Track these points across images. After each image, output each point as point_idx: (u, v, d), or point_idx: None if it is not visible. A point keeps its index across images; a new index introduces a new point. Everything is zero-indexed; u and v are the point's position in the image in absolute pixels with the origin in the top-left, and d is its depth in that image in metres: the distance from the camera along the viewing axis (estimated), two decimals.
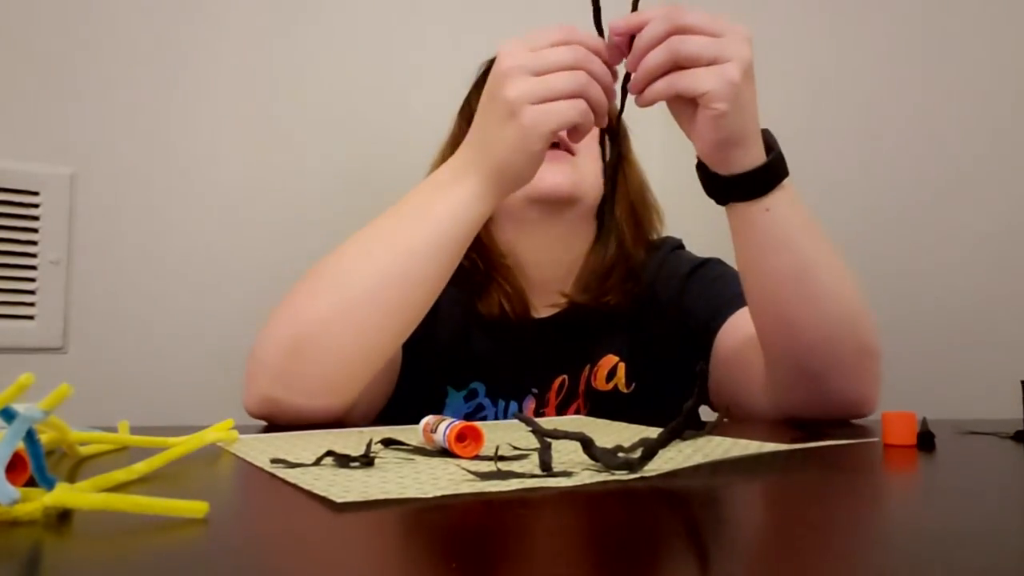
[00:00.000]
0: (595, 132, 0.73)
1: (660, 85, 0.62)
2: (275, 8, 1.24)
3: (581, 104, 0.63)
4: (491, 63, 0.86)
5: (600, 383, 0.89)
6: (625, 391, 0.89)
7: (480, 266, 0.89)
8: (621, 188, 0.92)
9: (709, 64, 0.60)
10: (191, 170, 1.18)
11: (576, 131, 0.66)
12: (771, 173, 0.65)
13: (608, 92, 0.65)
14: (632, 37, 0.63)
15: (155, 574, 0.26)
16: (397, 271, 0.67)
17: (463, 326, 0.89)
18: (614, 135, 0.71)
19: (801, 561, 0.28)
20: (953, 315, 1.06)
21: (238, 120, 1.21)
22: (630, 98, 0.66)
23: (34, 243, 1.08)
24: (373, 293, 0.66)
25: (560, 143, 0.85)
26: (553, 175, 0.84)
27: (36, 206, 1.08)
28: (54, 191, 1.09)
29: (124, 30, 1.14)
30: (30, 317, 1.07)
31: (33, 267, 1.07)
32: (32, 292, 1.07)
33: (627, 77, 0.65)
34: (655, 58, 0.61)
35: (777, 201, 0.65)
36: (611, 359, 0.89)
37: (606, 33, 0.65)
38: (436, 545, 0.30)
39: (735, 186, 0.65)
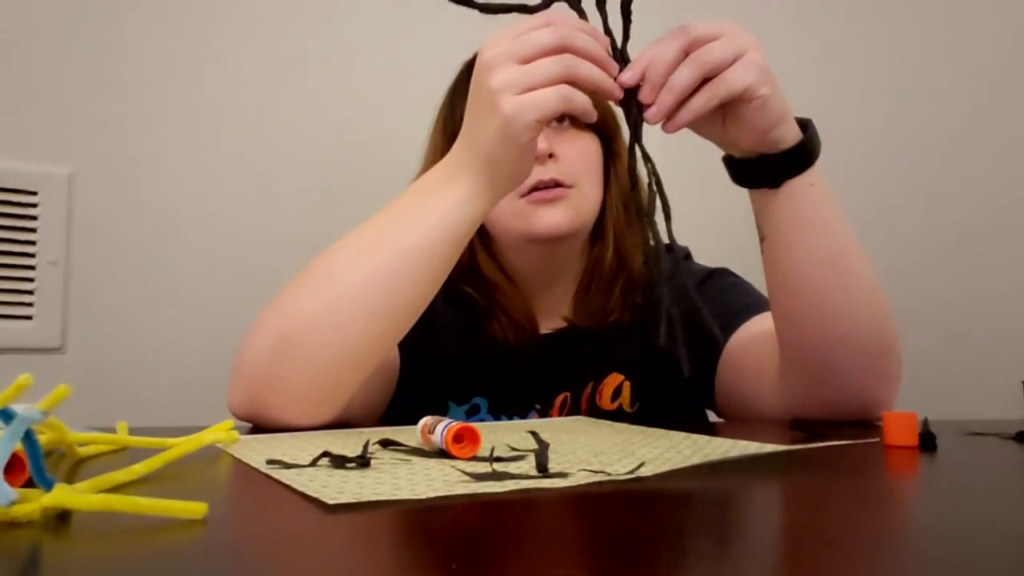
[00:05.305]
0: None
1: (699, 101, 0.60)
2: (274, 10, 1.24)
3: (565, 90, 0.59)
4: (470, 65, 0.84)
5: (604, 402, 0.87)
6: (629, 410, 0.87)
7: (480, 299, 0.87)
8: (611, 190, 0.89)
9: (733, 63, 0.60)
10: (189, 170, 1.17)
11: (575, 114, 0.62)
12: (814, 140, 0.66)
13: (602, 64, 0.60)
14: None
15: (153, 575, 0.26)
16: (385, 273, 0.64)
17: (466, 340, 0.88)
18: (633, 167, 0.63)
19: (800, 563, 0.28)
20: (954, 315, 1.06)
21: (237, 120, 1.21)
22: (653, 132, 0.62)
23: (32, 243, 1.07)
24: (361, 294, 0.64)
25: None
26: (550, 216, 0.82)
27: (34, 206, 1.08)
28: (52, 191, 1.09)
29: (123, 31, 1.14)
30: (28, 317, 1.07)
31: (31, 267, 1.07)
32: (30, 292, 1.07)
33: (632, 112, 0.61)
34: (685, 77, 0.59)
35: (817, 176, 0.66)
36: (616, 377, 0.88)
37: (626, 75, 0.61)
38: (427, 546, 0.30)
39: (788, 161, 0.65)
